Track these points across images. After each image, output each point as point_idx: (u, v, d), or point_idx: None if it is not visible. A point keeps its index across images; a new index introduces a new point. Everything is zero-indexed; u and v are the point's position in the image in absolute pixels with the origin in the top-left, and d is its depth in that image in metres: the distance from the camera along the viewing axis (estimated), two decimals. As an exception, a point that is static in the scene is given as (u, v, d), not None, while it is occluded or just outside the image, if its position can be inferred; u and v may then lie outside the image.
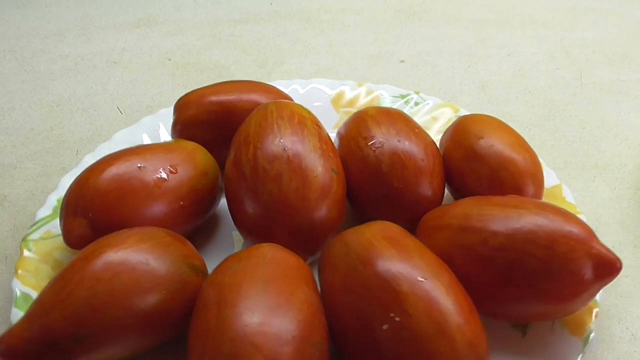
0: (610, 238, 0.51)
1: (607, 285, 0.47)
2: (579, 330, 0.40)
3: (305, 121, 0.46)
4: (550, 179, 0.51)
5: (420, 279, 0.34)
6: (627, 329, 0.44)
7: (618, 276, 0.47)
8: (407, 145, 0.46)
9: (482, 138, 0.47)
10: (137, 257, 0.37)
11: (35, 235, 0.48)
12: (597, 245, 0.37)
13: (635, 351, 0.43)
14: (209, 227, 0.51)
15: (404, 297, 0.34)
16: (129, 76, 0.75)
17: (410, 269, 0.35)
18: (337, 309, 0.36)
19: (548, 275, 0.37)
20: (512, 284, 0.38)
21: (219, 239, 0.50)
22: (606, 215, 0.53)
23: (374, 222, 0.40)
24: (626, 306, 0.46)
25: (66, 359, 0.35)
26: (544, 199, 0.48)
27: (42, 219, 0.49)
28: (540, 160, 0.52)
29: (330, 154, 0.45)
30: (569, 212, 0.39)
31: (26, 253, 0.46)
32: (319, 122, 0.48)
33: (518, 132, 0.63)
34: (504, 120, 0.65)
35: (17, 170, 0.60)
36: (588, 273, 0.37)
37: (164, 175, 0.45)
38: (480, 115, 0.52)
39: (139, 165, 0.44)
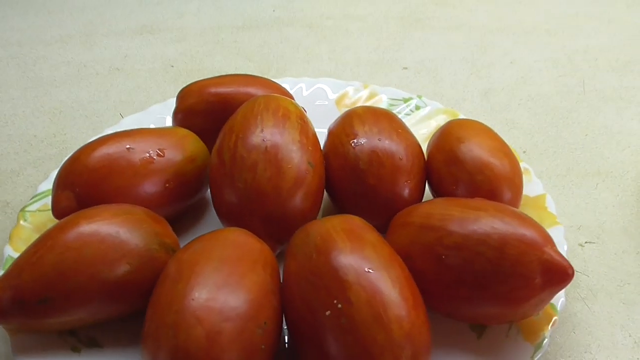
0: (613, 245, 0.51)
1: (610, 292, 0.47)
2: (533, 336, 0.40)
3: (289, 115, 0.47)
4: (536, 187, 0.51)
5: (367, 270, 0.35)
6: (629, 336, 0.44)
7: (621, 283, 0.48)
8: (386, 144, 0.47)
9: (463, 142, 0.47)
10: (108, 229, 0.40)
11: (33, 207, 0.51)
12: (549, 250, 0.37)
13: (638, 358, 0.42)
14: (200, 211, 0.53)
15: (348, 286, 0.35)
16: (132, 83, 0.75)
17: (360, 260, 0.36)
18: (291, 295, 0.37)
19: (497, 276, 0.37)
20: (463, 283, 0.38)
21: (207, 223, 0.52)
22: (609, 222, 0.53)
23: (340, 215, 0.42)
24: (629, 313, 0.46)
25: (32, 319, 0.38)
26: (526, 207, 0.49)
27: (42, 192, 0.52)
28: (529, 168, 0.52)
29: (309, 148, 0.46)
30: (529, 218, 0.40)
31: (22, 222, 0.49)
32: (305, 117, 0.49)
33: (520, 139, 0.63)
34: (506, 127, 0.65)
35: (20, 176, 0.60)
36: (538, 278, 0.37)
37: (151, 157, 0.47)
38: (467, 120, 0.52)
39: (127, 146, 0.47)
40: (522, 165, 0.52)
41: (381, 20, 0.90)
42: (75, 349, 0.41)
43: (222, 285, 0.35)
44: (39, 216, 0.50)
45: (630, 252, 0.50)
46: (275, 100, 0.49)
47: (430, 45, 0.83)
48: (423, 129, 0.59)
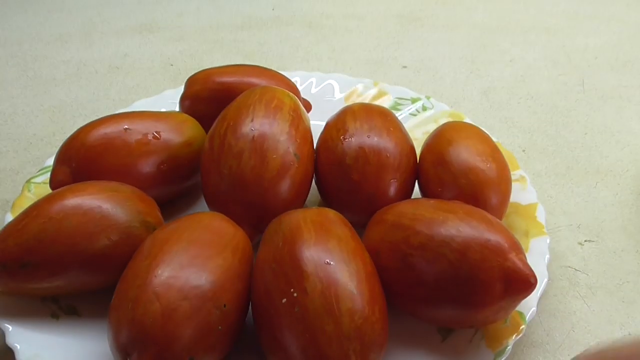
0: (612, 244, 0.51)
1: (610, 291, 0.47)
2: (495, 344, 0.40)
3: (282, 106, 0.48)
4: (529, 195, 0.50)
5: (327, 262, 0.36)
6: (629, 334, 0.44)
7: (620, 282, 0.48)
8: (375, 141, 0.47)
9: (452, 145, 0.47)
10: (91, 204, 0.42)
11: (39, 179, 0.53)
12: (514, 258, 0.37)
13: (638, 357, 0.42)
14: (195, 195, 0.54)
15: (306, 276, 0.35)
16: (131, 82, 0.75)
17: (322, 252, 0.37)
18: (256, 281, 0.38)
19: (457, 279, 0.37)
20: (424, 284, 0.38)
21: (201, 207, 0.52)
22: (608, 221, 0.53)
23: (316, 207, 0.42)
24: (629, 312, 0.46)
25: (14, 282, 0.41)
26: (516, 215, 0.48)
27: (49, 166, 0.54)
28: (525, 176, 0.52)
29: (297, 140, 0.46)
30: (499, 224, 0.39)
31: (26, 193, 0.52)
32: (299, 110, 0.49)
33: (520, 137, 0.63)
34: (506, 125, 0.65)
35: (19, 175, 0.60)
36: (498, 284, 0.37)
37: (147, 139, 0.49)
38: (463, 123, 0.51)
39: (125, 127, 0.49)
40: (519, 172, 0.51)
41: (380, 19, 0.90)
42: (55, 316, 0.43)
43: (187, 265, 0.36)
44: (42, 188, 0.51)
45: (630, 250, 0.50)
46: (271, 91, 0.49)
47: (429, 44, 0.83)
48: (425, 130, 0.59)
